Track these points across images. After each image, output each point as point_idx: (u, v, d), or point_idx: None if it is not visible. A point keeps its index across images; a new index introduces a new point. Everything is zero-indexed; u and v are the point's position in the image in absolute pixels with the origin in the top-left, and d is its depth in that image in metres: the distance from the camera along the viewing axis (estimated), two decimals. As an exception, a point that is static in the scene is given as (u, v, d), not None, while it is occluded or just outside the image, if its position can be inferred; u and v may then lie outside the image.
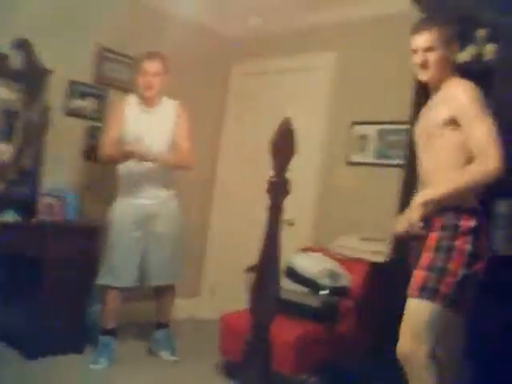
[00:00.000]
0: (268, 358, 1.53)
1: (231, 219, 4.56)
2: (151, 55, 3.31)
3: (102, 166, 3.64)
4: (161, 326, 3.49)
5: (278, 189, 1.53)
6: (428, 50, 2.18)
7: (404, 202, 3.12)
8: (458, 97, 2.08)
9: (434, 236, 2.09)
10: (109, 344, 3.26)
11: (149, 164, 3.23)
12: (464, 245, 2.03)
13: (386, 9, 3.64)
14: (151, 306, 3.58)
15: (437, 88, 2.24)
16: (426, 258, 2.08)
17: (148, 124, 3.31)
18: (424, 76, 2.24)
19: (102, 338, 3.28)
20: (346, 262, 3.37)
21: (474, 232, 2.05)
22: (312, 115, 4.06)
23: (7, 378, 2.81)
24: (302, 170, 3.94)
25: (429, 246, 2.10)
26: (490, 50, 2.82)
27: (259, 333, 1.52)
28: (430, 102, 2.32)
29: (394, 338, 2.03)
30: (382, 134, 3.72)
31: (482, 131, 2.00)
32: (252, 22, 4.35)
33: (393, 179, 3.39)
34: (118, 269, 3.26)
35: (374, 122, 3.76)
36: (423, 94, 3.03)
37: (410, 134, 3.15)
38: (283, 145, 1.52)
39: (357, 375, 2.77)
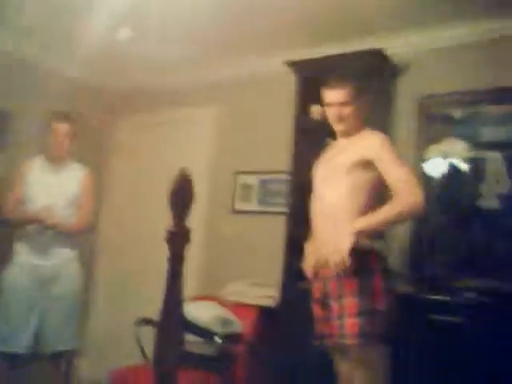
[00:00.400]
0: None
1: (117, 279, 4.44)
2: (61, 116, 3.28)
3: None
4: None
5: (179, 238, 1.54)
6: (343, 104, 2.35)
7: (289, 248, 3.28)
8: (375, 143, 2.24)
9: (352, 281, 2.13)
10: None
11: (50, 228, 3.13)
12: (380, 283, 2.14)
13: (263, 69, 3.92)
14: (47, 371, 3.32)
15: (348, 136, 2.40)
16: (351, 304, 2.12)
17: (53, 184, 3.25)
18: (339, 127, 2.40)
19: None
20: (235, 307, 3.40)
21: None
22: (197, 166, 4.12)
23: None
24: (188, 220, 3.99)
25: (350, 291, 2.14)
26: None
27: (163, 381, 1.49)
28: (336, 147, 2.47)
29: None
30: (263, 183, 3.88)
31: (402, 171, 2.16)
32: (135, 76, 4.39)
33: (276, 226, 3.55)
34: (9, 332, 3.03)
35: (256, 172, 3.91)
36: (302, 145, 3.29)
37: (291, 183, 3.36)
38: (181, 194, 1.54)
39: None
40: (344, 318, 2.11)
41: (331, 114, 2.39)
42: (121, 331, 3.83)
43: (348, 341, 2.09)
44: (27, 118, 3.91)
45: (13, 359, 3.06)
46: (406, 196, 2.11)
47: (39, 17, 3.47)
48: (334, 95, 2.37)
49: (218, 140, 4.18)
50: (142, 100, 4.60)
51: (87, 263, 4.41)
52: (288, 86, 3.48)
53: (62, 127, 3.26)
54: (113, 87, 4.62)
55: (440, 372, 2.51)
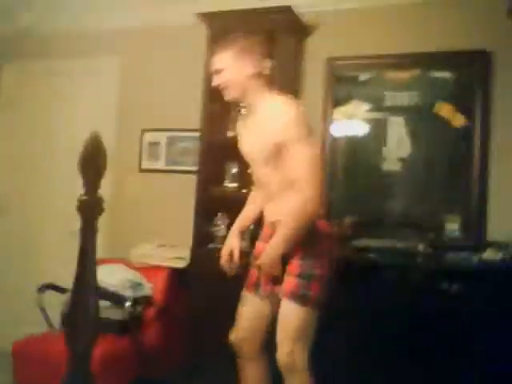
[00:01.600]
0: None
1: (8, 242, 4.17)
2: None
3: None
4: None
5: (91, 207, 1.45)
6: (219, 71, 2.21)
7: (200, 209, 3.25)
8: (281, 119, 2.08)
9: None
10: None
11: None
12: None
13: (172, 18, 3.73)
14: None
15: (251, 105, 2.24)
16: (295, 266, 2.11)
17: None
18: (227, 97, 2.24)
19: None
20: (145, 270, 3.34)
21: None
22: (100, 122, 3.91)
23: None
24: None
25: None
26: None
27: (80, 362, 1.42)
28: (247, 119, 2.31)
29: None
30: (172, 141, 3.77)
31: (299, 158, 2.03)
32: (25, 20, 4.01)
33: (186, 185, 3.50)
34: None
35: (165, 130, 3.78)
36: (213, 102, 3.21)
37: (202, 141, 3.29)
38: (93, 161, 1.44)
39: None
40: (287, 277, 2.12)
41: (213, 83, 2.26)
42: (21, 298, 3.64)
43: (283, 296, 2.11)
44: None
45: None
46: (298, 190, 2.04)
47: None
48: (214, 62, 2.25)
49: (123, 94, 3.94)
50: (32, 45, 4.17)
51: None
52: (199, 38, 3.36)
53: None
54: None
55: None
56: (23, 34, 4.15)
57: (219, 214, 3.25)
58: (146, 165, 3.84)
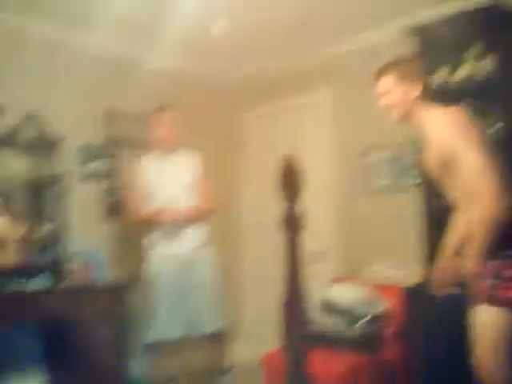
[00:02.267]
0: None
1: (262, 261, 4.54)
2: (163, 107, 3.43)
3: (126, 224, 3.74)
4: (220, 374, 3.42)
5: (292, 224, 1.51)
6: (387, 92, 2.25)
7: (428, 224, 3.09)
8: (445, 132, 2.06)
9: None
10: None
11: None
12: None
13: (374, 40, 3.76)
14: (203, 353, 3.54)
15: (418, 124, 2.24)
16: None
17: (168, 171, 3.41)
18: (394, 116, 2.27)
19: None
20: (379, 288, 3.30)
21: None
22: (320, 149, 4.13)
23: None
24: (321, 204, 3.98)
25: None
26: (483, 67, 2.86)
27: (295, 371, 1.48)
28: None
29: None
30: (393, 159, 3.70)
31: (469, 162, 1.98)
32: (247, 68, 4.44)
33: (413, 201, 3.37)
34: (164, 322, 3.27)
35: (385, 147, 3.74)
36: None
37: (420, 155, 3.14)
38: (289, 181, 1.52)
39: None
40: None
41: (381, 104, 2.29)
42: (270, 312, 3.91)
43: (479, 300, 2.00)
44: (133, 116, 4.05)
45: (165, 347, 3.28)
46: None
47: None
48: (380, 85, 2.28)
49: (341, 118, 4.07)
50: (255, 91, 4.64)
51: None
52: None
53: (166, 117, 3.40)
54: (226, 82, 4.70)
55: None
56: (248, 81, 4.62)
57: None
58: (372, 183, 3.83)
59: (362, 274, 3.48)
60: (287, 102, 4.44)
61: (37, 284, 3.17)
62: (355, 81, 3.90)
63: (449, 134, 2.05)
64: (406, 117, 2.24)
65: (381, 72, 2.28)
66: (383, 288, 3.28)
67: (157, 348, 3.27)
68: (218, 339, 3.40)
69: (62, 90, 3.65)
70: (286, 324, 1.50)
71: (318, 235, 3.70)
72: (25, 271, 3.25)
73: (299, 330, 1.47)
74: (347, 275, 3.63)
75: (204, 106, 4.43)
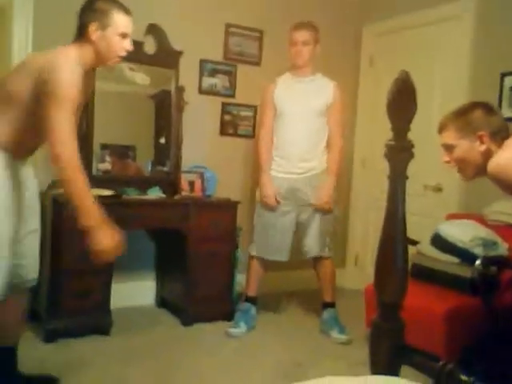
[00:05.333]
0: (399, 339, 1.40)
1: (372, 189, 4.35)
2: (300, 25, 3.28)
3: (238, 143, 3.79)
4: (327, 305, 3.47)
5: (399, 153, 1.36)
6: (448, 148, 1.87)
7: None
8: None
9: None
10: (249, 310, 3.36)
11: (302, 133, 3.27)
12: None
13: None
14: (306, 274, 3.59)
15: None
16: None
17: (301, 91, 3.30)
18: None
19: (243, 305, 3.40)
20: (502, 228, 3.02)
21: None
22: (456, 68, 3.67)
23: (167, 340, 3.11)
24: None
25: None
26: None
27: (387, 313, 1.39)
28: None
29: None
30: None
31: None
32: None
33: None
34: (273, 245, 3.34)
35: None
36: None
37: None
38: (401, 103, 1.34)
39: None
40: None
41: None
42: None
43: None
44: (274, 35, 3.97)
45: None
46: None
47: None
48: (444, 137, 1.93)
49: (479, 37, 3.57)
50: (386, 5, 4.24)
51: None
52: None
53: (301, 35, 3.22)
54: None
55: None
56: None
57: None
58: (506, 113, 3.40)
59: (483, 211, 3.19)
60: (416, 15, 3.99)
61: (152, 194, 3.34)
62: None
63: None
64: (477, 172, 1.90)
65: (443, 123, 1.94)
66: (507, 228, 3.00)
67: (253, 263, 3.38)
68: (325, 265, 3.40)
69: (184, 3, 3.63)
70: (383, 262, 1.40)
71: (435, 167, 3.40)
72: (142, 182, 3.43)
73: (397, 270, 1.36)
74: (468, 212, 3.35)
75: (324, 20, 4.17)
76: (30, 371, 2.37)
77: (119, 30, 2.05)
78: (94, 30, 2.01)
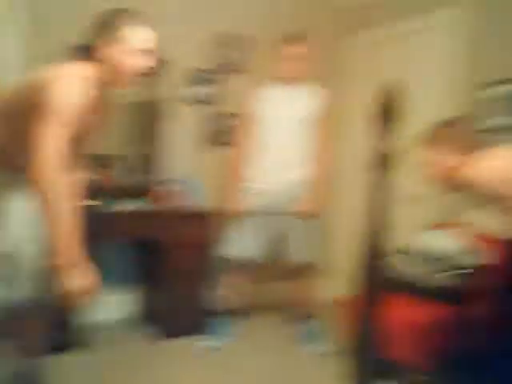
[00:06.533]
0: (377, 351, 1.40)
1: (349, 200, 4.38)
2: (291, 39, 3.21)
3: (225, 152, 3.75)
4: (304, 317, 3.46)
5: (383, 161, 1.37)
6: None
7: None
8: None
9: None
10: (225, 323, 3.34)
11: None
12: None
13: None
14: (281, 287, 3.56)
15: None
16: None
17: (287, 99, 3.28)
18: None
19: (220, 317, 3.38)
20: (481, 238, 3.06)
21: None
22: (435, 79, 3.72)
23: (142, 354, 3.07)
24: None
25: None
26: None
27: (365, 324, 1.39)
28: None
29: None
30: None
31: None
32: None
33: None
34: (248, 245, 3.30)
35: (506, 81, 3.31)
36: None
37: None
38: (387, 111, 1.35)
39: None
40: None
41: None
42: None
43: None
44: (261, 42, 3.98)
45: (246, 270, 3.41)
46: None
47: None
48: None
49: (457, 47, 3.65)
50: (371, 14, 4.27)
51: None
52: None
53: (293, 50, 3.17)
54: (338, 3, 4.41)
55: None
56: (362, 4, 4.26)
57: None
58: (484, 124, 3.47)
59: (462, 221, 3.23)
60: (395, 27, 4.05)
61: (133, 205, 3.30)
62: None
63: None
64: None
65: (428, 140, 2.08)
66: (487, 238, 3.04)
67: (233, 266, 3.33)
68: (303, 272, 3.38)
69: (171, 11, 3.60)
70: (364, 267, 1.40)
71: (415, 176, 3.43)
72: (122, 192, 3.39)
73: (377, 274, 1.37)
74: (446, 222, 3.39)
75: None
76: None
77: (133, 46, 1.87)
78: (101, 47, 1.84)
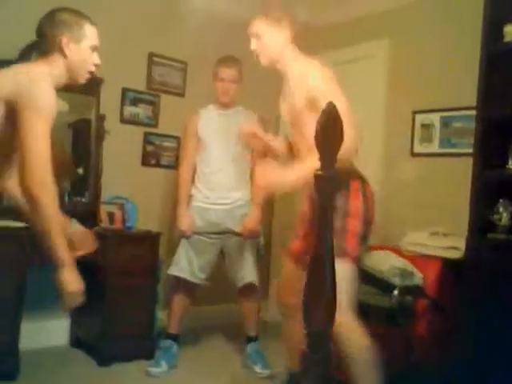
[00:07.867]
0: (327, 369, 1.40)
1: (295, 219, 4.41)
2: (227, 61, 3.28)
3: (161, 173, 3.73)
4: (250, 339, 3.42)
5: (327, 184, 1.39)
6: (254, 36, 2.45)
7: (477, 194, 2.88)
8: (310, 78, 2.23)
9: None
10: (170, 348, 3.25)
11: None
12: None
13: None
14: (228, 308, 3.52)
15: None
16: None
17: (225, 123, 3.31)
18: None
19: (164, 342, 3.29)
20: (416, 259, 3.15)
21: None
22: (371, 106, 3.86)
23: (81, 382, 2.94)
24: (364, 164, 3.77)
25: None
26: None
27: (315, 342, 1.39)
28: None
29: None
30: (446, 121, 3.47)
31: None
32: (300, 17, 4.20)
33: (461, 169, 3.16)
34: (194, 265, 3.28)
35: (438, 110, 3.50)
36: (491, 75, 2.82)
37: (479, 119, 2.91)
38: (329, 134, 1.37)
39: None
40: None
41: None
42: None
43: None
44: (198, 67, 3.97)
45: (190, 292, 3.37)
46: None
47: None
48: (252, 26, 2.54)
49: (392, 77, 3.82)
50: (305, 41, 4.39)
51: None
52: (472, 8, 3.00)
53: (229, 72, 3.25)
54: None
55: None
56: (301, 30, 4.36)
57: (500, 200, 2.83)
58: (418, 148, 3.63)
59: (399, 242, 3.33)
60: (336, 55, 4.17)
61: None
62: (413, 36, 3.67)
63: (316, 77, 2.24)
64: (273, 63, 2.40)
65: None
66: (422, 259, 3.14)
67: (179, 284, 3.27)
68: (250, 296, 3.37)
69: (106, 30, 3.56)
70: (311, 292, 1.40)
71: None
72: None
73: (325, 300, 1.37)
74: (384, 243, 3.48)
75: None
76: None
77: (92, 43, 1.92)
78: (66, 44, 1.84)
